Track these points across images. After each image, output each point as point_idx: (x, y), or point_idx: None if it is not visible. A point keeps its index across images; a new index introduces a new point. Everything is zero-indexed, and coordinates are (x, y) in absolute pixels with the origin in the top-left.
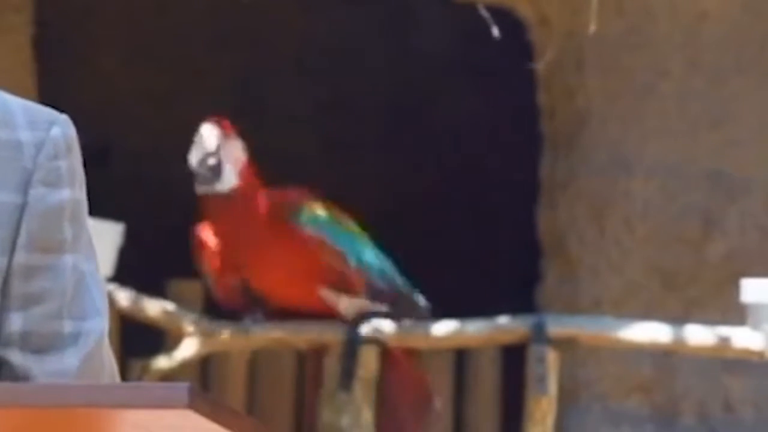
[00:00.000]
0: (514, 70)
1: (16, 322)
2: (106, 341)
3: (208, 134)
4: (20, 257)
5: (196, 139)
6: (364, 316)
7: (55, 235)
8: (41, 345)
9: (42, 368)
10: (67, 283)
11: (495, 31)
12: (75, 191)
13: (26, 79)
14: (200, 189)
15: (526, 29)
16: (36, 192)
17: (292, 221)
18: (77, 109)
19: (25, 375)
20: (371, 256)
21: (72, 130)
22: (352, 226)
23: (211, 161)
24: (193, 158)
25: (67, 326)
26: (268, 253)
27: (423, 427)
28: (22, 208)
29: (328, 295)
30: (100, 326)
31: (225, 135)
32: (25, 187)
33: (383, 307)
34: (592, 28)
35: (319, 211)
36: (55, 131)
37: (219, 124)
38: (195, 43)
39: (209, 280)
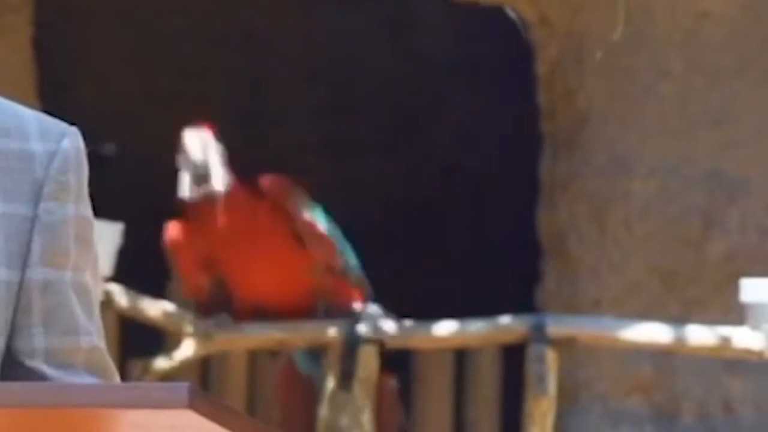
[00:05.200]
0: (514, 70)
1: (39, 338)
2: (110, 360)
3: (196, 142)
4: (37, 272)
5: (184, 147)
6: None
7: (64, 250)
8: (62, 360)
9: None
10: (74, 298)
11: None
12: (80, 206)
13: (26, 79)
14: (193, 192)
15: (526, 29)
16: (46, 206)
17: (297, 207)
18: (77, 109)
19: None
20: (350, 253)
21: (81, 143)
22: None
23: (203, 168)
24: (186, 167)
25: (83, 341)
26: (267, 243)
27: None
28: (33, 220)
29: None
30: (103, 344)
31: (209, 139)
32: (36, 199)
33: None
34: (618, 31)
35: (313, 203)
36: (66, 143)
37: (202, 129)
38: (195, 43)
39: (181, 278)
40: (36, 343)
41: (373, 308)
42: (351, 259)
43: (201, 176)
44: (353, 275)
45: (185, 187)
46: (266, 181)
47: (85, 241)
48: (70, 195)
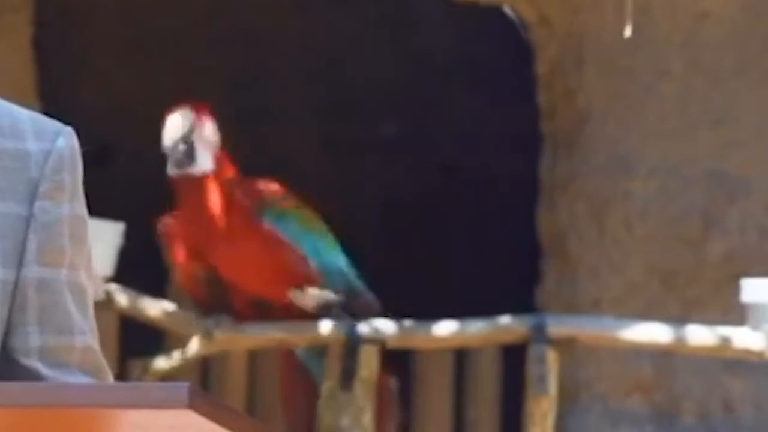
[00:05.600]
0: (514, 70)
1: (34, 336)
2: (104, 360)
3: (181, 117)
4: (32, 271)
5: (169, 122)
6: (326, 309)
7: (59, 249)
8: (57, 359)
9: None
10: (69, 297)
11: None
12: (75, 206)
13: (26, 79)
14: (173, 172)
15: (525, 29)
16: (41, 204)
17: (258, 216)
18: (77, 109)
19: None
20: (331, 257)
21: (76, 143)
22: (316, 224)
23: (183, 144)
24: (167, 141)
25: (78, 340)
26: (234, 241)
27: (388, 426)
28: (28, 219)
29: (294, 294)
30: (97, 345)
31: (198, 118)
32: (31, 198)
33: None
34: (628, 31)
35: (286, 208)
36: (61, 142)
37: (193, 107)
38: (195, 43)
39: (175, 270)
40: (31, 341)
41: (340, 314)
42: (322, 262)
43: (177, 158)
44: (324, 276)
45: (169, 166)
46: (244, 182)
47: (80, 240)
48: (65, 194)
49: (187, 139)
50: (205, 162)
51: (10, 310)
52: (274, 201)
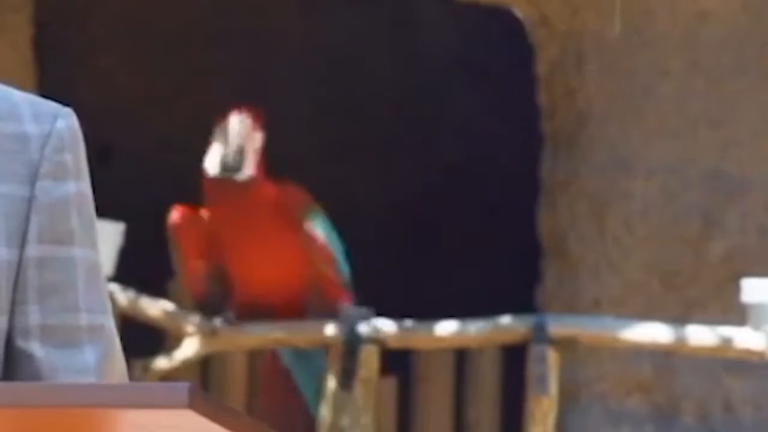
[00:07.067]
0: (514, 70)
1: (34, 315)
2: (118, 341)
3: (239, 123)
4: (33, 250)
5: (226, 127)
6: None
7: (65, 228)
8: (60, 338)
9: (65, 363)
10: (79, 275)
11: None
12: (80, 184)
13: (26, 78)
14: (220, 174)
15: (526, 29)
16: (43, 185)
17: (301, 219)
18: (77, 109)
19: (50, 368)
20: (344, 259)
21: (76, 123)
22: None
23: (239, 152)
24: (226, 145)
25: (83, 319)
26: (268, 244)
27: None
28: (30, 201)
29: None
30: (111, 324)
31: (253, 125)
32: (32, 179)
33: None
34: (616, 29)
35: (323, 214)
36: (60, 123)
37: (248, 113)
38: (195, 43)
39: (180, 263)
40: (31, 320)
41: (353, 309)
42: (343, 265)
43: (229, 165)
44: (343, 279)
45: (211, 165)
46: (283, 187)
47: (88, 218)
48: (69, 173)
49: (243, 147)
50: (249, 167)
51: (14, 291)
52: (315, 205)
